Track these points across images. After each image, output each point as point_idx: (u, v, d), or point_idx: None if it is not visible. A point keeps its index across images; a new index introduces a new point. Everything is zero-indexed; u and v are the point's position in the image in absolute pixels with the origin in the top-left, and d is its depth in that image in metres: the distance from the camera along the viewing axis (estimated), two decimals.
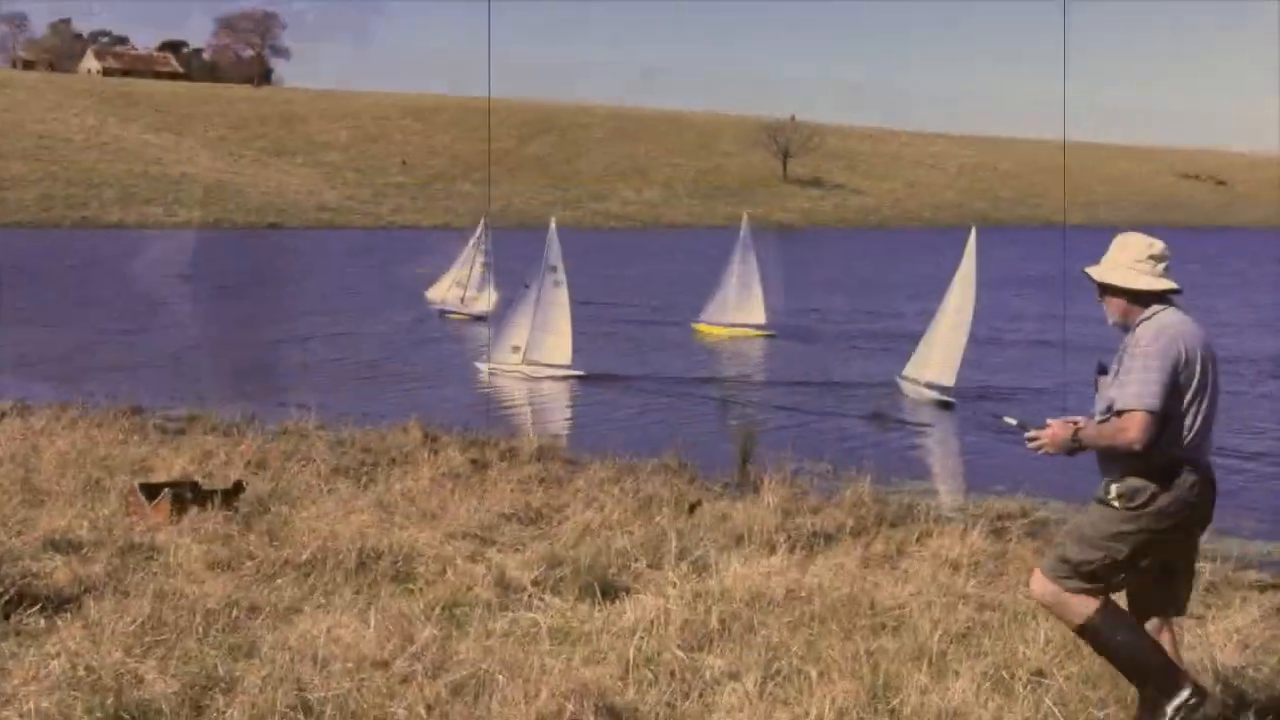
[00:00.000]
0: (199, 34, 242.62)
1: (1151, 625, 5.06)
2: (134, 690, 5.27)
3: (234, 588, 6.97)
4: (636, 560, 7.98)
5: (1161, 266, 5.05)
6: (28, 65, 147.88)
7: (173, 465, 11.10)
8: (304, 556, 7.66)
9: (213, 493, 9.11)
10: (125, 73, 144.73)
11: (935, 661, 5.99)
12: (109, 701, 5.06)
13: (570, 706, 5.16)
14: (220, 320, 34.41)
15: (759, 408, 20.71)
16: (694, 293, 31.78)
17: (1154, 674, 4.92)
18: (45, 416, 14.04)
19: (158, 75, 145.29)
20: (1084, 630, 5.00)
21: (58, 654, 5.62)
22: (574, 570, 7.54)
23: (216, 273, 49.65)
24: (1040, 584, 5.07)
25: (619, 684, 5.67)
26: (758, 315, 30.21)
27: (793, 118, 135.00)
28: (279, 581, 7.21)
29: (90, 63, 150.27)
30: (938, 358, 21.47)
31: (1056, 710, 5.36)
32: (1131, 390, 4.81)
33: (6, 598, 6.37)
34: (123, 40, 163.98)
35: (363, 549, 7.73)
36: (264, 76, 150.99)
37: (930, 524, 9.99)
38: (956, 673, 5.76)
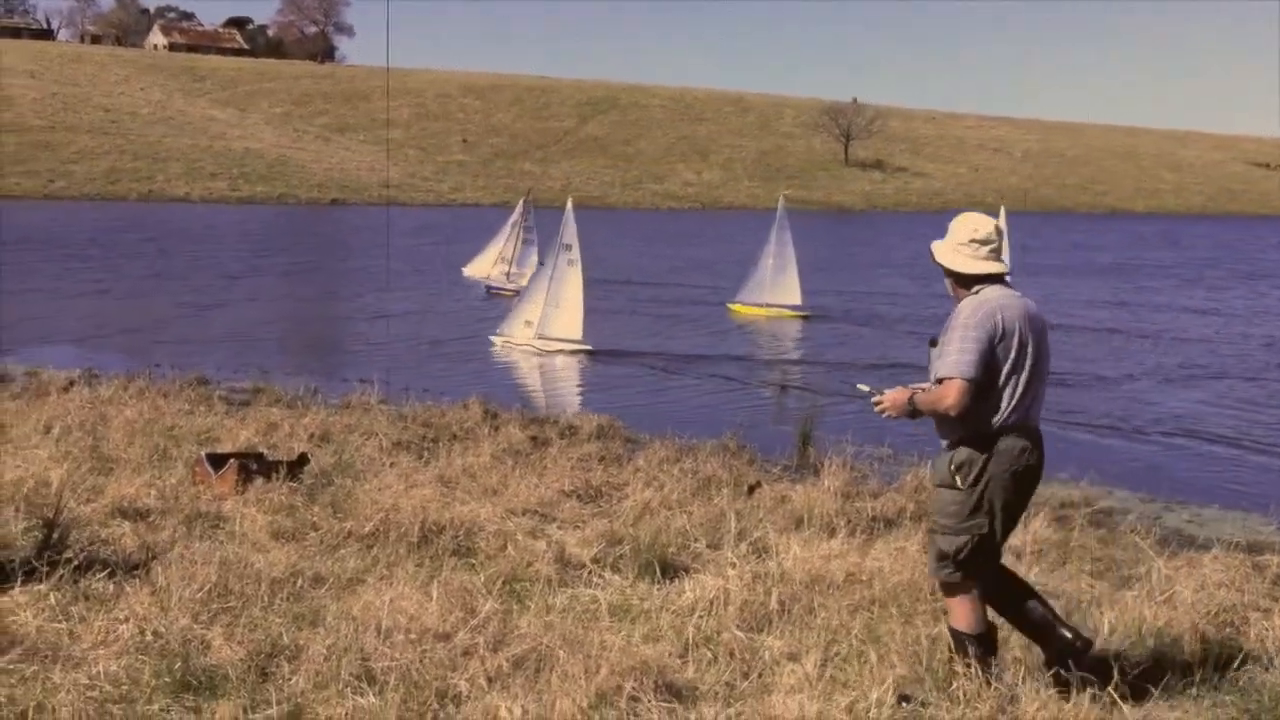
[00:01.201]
0: (264, 10, 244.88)
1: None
2: (201, 656, 5.36)
3: (298, 558, 7.05)
4: (696, 540, 7.99)
5: (987, 249, 5.27)
6: (95, 40, 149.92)
7: (238, 436, 11.23)
8: (367, 529, 7.74)
9: (278, 464, 9.21)
10: (191, 48, 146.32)
11: (996, 648, 5.95)
12: (176, 666, 5.15)
13: (630, 683, 5.18)
14: (287, 295, 34.78)
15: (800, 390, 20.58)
16: (741, 276, 31.66)
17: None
18: (113, 386, 14.23)
19: (222, 51, 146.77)
20: (956, 631, 5.33)
21: (126, 619, 5.71)
22: (633, 548, 7.56)
23: (284, 248, 50.22)
24: (936, 583, 5.48)
25: (678, 662, 5.69)
26: (794, 296, 30.29)
27: (854, 100, 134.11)
28: (342, 552, 7.29)
29: (156, 38, 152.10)
30: None
31: (1119, 699, 5.30)
32: (950, 360, 5.08)
33: (76, 563, 6.48)
34: (189, 16, 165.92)
35: (424, 523, 7.79)
36: (327, 53, 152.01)
37: None
38: (1017, 660, 5.72)
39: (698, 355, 24.33)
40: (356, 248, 51.84)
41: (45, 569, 6.31)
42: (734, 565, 7.07)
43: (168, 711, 4.90)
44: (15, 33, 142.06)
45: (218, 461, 9.08)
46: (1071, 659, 5.24)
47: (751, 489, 10.34)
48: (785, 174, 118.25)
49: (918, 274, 40.88)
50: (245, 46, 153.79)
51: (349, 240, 57.35)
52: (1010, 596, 5.48)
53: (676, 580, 6.98)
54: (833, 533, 8.44)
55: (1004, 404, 5.15)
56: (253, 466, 9.01)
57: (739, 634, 6.00)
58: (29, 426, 10.91)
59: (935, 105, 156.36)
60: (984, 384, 5.07)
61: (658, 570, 7.05)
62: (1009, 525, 5.33)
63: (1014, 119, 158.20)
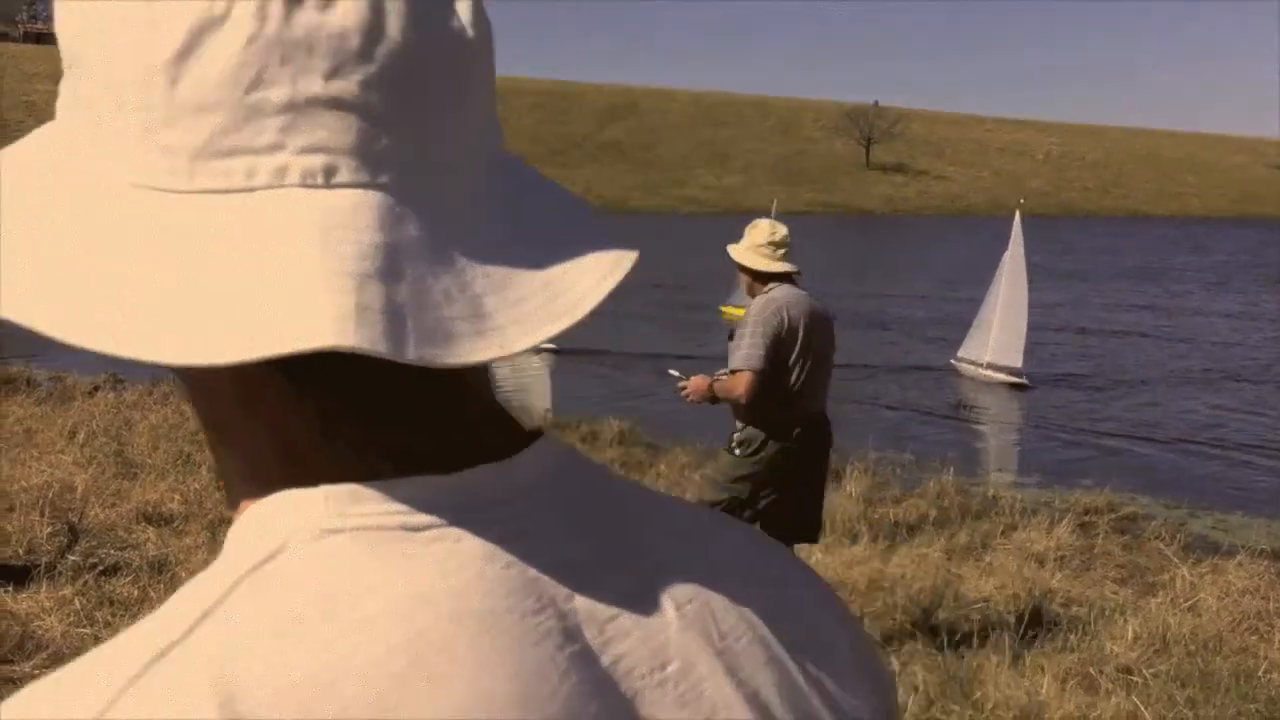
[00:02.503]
0: None
1: None
2: None
3: None
4: None
5: (780, 251, 5.82)
6: None
7: None
8: None
9: None
10: None
11: (1019, 656, 5.94)
12: None
13: None
14: None
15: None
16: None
17: None
18: (138, 391, 14.30)
19: None
20: None
21: None
22: None
23: None
24: None
25: None
26: None
27: (876, 103, 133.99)
28: None
29: None
30: (996, 340, 21.46)
31: (1143, 708, 5.28)
32: (741, 354, 5.61)
33: (101, 568, 6.51)
34: None
35: None
36: None
37: (1015, 517, 9.86)
38: (1041, 667, 5.70)
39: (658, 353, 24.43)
40: None
41: (69, 573, 6.35)
42: None
43: None
44: (39, 38, 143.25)
45: None
46: None
47: None
48: (806, 178, 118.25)
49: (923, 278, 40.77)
50: None
51: None
52: None
53: None
54: (855, 539, 8.43)
55: (789, 391, 5.68)
56: None
57: None
58: (54, 431, 10.97)
59: (957, 108, 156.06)
60: (771, 374, 5.59)
61: None
62: (788, 504, 5.75)
63: (1036, 121, 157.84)
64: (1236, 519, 12.07)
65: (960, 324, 31.12)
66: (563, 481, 0.68)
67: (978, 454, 16.12)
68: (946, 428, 17.67)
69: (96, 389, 14.71)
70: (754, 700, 0.67)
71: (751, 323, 5.65)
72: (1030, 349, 24.68)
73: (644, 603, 0.66)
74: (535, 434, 0.70)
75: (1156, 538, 9.51)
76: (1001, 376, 21.37)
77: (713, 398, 5.74)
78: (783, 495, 5.72)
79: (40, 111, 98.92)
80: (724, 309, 31.68)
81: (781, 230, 5.87)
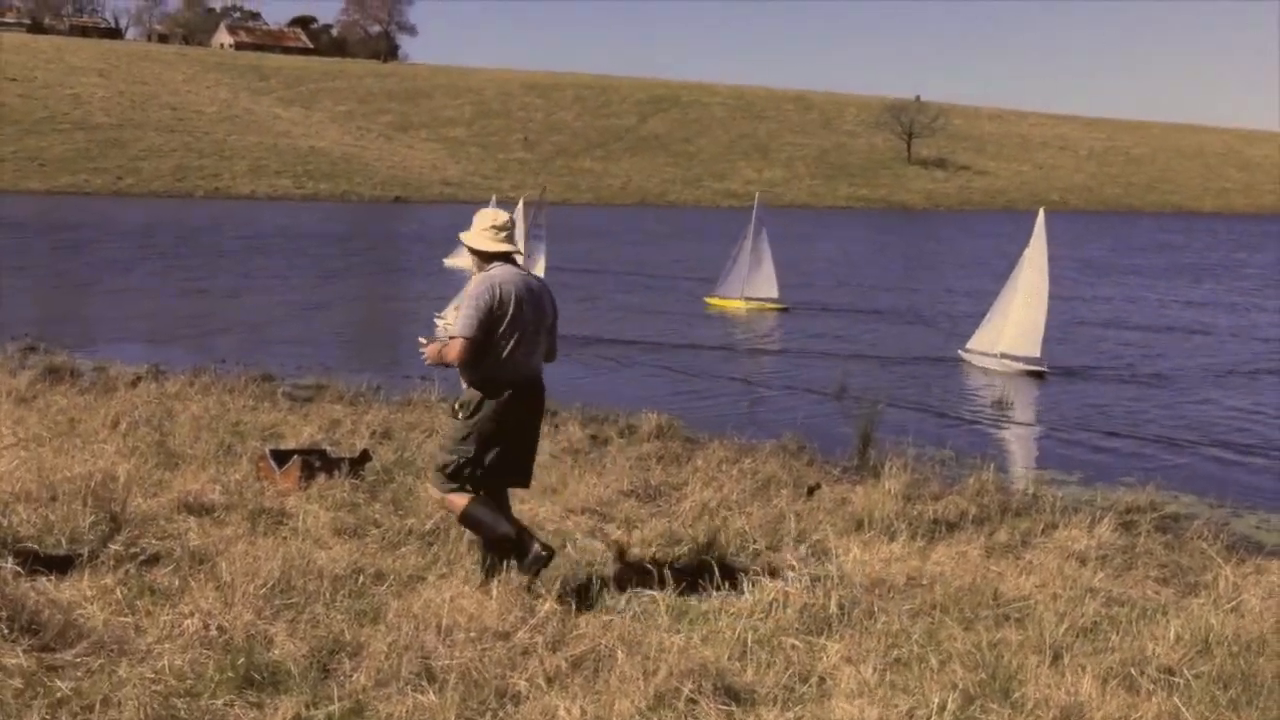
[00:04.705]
0: (328, 10, 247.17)
1: (500, 496, 6.69)
2: (264, 652, 5.41)
3: (360, 555, 7.10)
4: (755, 541, 7.96)
5: (503, 235, 6.65)
6: (162, 39, 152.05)
7: (301, 432, 11.33)
8: (428, 526, 7.78)
9: (340, 460, 9.29)
10: (257, 47, 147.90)
11: (1059, 655, 5.89)
12: (240, 661, 5.20)
13: (688, 685, 5.17)
14: (349, 293, 35.05)
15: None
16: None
17: (511, 543, 6.49)
18: (179, 382, 14.42)
19: (287, 50, 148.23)
20: (464, 519, 6.59)
21: (191, 614, 5.76)
22: (692, 549, 7.54)
23: (371, 245, 50.57)
24: (432, 493, 6.82)
25: (736, 665, 5.67)
26: (771, 290, 30.82)
27: (918, 98, 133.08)
28: (403, 550, 7.32)
29: (223, 37, 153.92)
30: (1012, 330, 21.57)
31: (1185, 710, 5.22)
32: (460, 323, 6.36)
33: (142, 557, 6.57)
34: (254, 15, 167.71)
35: None
36: (390, 52, 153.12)
37: (1056, 515, 9.77)
38: (1082, 667, 5.65)
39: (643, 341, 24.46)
40: (423, 243, 52.05)
41: (111, 562, 6.41)
42: (793, 567, 7.04)
43: (231, 706, 4.93)
44: (84, 31, 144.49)
45: (281, 458, 9.17)
46: (539, 564, 6.46)
47: (811, 490, 10.29)
48: (847, 172, 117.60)
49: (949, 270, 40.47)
50: (310, 46, 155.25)
51: (430, 235, 57.39)
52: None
53: (735, 582, 6.95)
54: (893, 536, 8.38)
55: (501, 357, 6.41)
56: (316, 463, 9.08)
57: (798, 637, 5.97)
58: (97, 421, 11.08)
59: (999, 103, 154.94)
60: (483, 341, 6.36)
61: (716, 571, 7.02)
62: (505, 455, 6.55)
63: (1079, 117, 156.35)
64: None
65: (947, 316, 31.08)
66: None
67: (1018, 451, 16.01)
68: (988, 424, 17.55)
69: (139, 379, 14.85)
70: None
71: (469, 296, 6.46)
72: (1076, 343, 24.45)
73: None
74: None
75: (1199, 537, 9.41)
76: (1019, 366, 21.54)
77: (442, 360, 6.50)
78: (501, 447, 6.51)
79: (85, 105, 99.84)
80: (710, 299, 31.94)
81: (504, 216, 6.73)
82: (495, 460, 6.52)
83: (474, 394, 6.47)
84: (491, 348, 6.38)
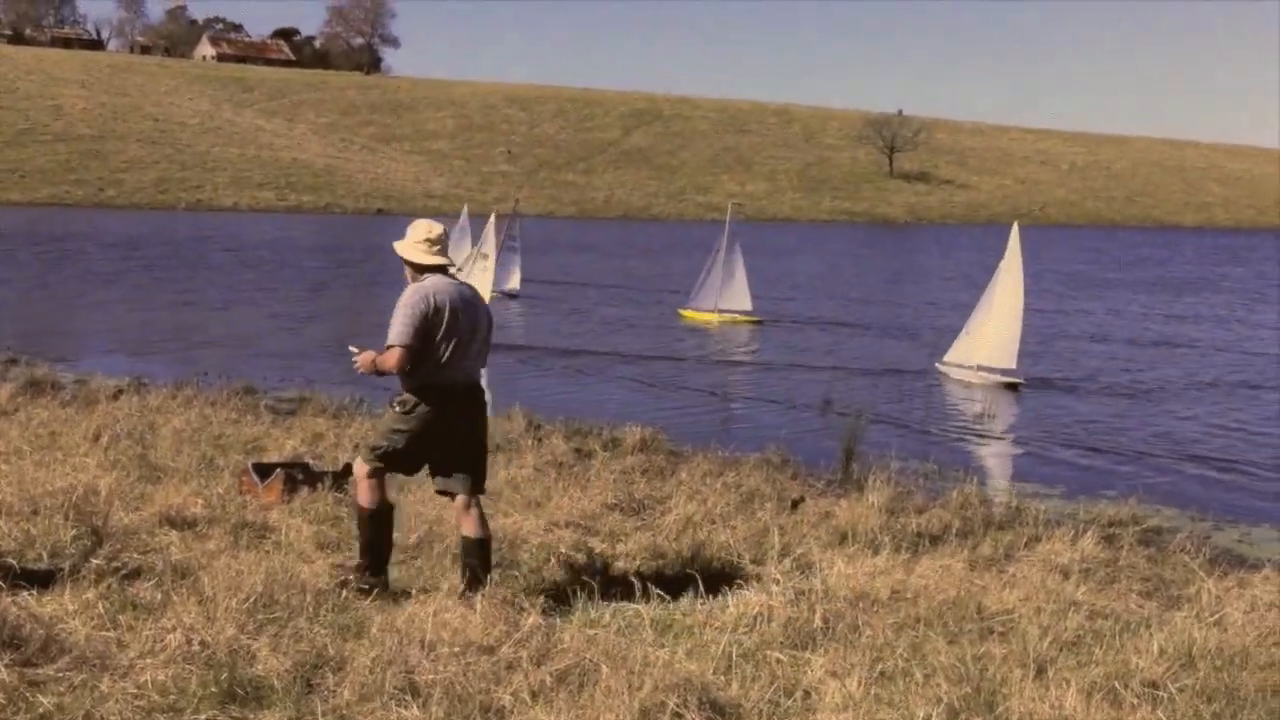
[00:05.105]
0: (311, 22, 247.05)
1: (460, 502, 6.79)
2: (247, 666, 5.37)
3: (342, 568, 7.06)
4: (739, 555, 7.96)
5: (436, 248, 6.80)
6: (144, 50, 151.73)
7: (284, 446, 11.30)
8: (411, 540, 7.76)
9: (323, 474, 9.26)
10: (239, 59, 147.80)
11: (1044, 669, 5.90)
12: (223, 676, 5.17)
13: (673, 700, 5.16)
14: (333, 305, 35.00)
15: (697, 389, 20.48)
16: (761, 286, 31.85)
17: (375, 563, 6.83)
18: (161, 395, 14.36)
19: (270, 62, 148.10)
20: (359, 511, 6.84)
21: (173, 628, 5.72)
22: (677, 562, 7.53)
23: (363, 259, 50.43)
24: (357, 466, 6.95)
25: (721, 679, 5.66)
26: (744, 302, 31.00)
27: (900, 112, 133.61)
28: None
29: (205, 49, 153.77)
30: (989, 343, 21.71)
31: None
32: (395, 331, 6.52)
33: (124, 571, 6.53)
34: (236, 27, 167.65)
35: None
36: (373, 64, 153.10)
37: (1039, 528, 9.80)
38: (1066, 681, 5.65)
39: (604, 352, 24.54)
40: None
41: (93, 577, 6.37)
42: (777, 581, 7.03)
43: None
44: (66, 43, 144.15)
45: (264, 471, 9.14)
46: (364, 589, 6.63)
47: (795, 504, 10.30)
48: (830, 186, 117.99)
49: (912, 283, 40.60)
50: (292, 58, 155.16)
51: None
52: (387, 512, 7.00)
53: (719, 595, 6.95)
54: (877, 549, 8.38)
55: (440, 362, 6.58)
56: (298, 476, 9.06)
57: (783, 651, 5.97)
58: (78, 434, 11.03)
59: (981, 117, 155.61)
60: (419, 349, 6.51)
61: (701, 585, 7.02)
62: (432, 453, 6.74)
63: (1061, 131, 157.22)
64: (1262, 532, 11.98)
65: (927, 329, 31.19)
66: None
67: (1001, 464, 16.03)
68: (971, 437, 17.58)
69: (121, 392, 14.79)
70: None
71: (403, 306, 6.58)
72: (1058, 357, 24.49)
73: None
74: None
75: (1181, 551, 9.44)
76: (996, 378, 21.70)
77: (375, 369, 6.64)
78: (444, 450, 6.70)
79: (66, 116, 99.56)
80: (683, 311, 32.09)
81: (438, 229, 6.86)
82: (421, 455, 6.76)
83: (410, 396, 6.66)
84: (429, 355, 6.55)
